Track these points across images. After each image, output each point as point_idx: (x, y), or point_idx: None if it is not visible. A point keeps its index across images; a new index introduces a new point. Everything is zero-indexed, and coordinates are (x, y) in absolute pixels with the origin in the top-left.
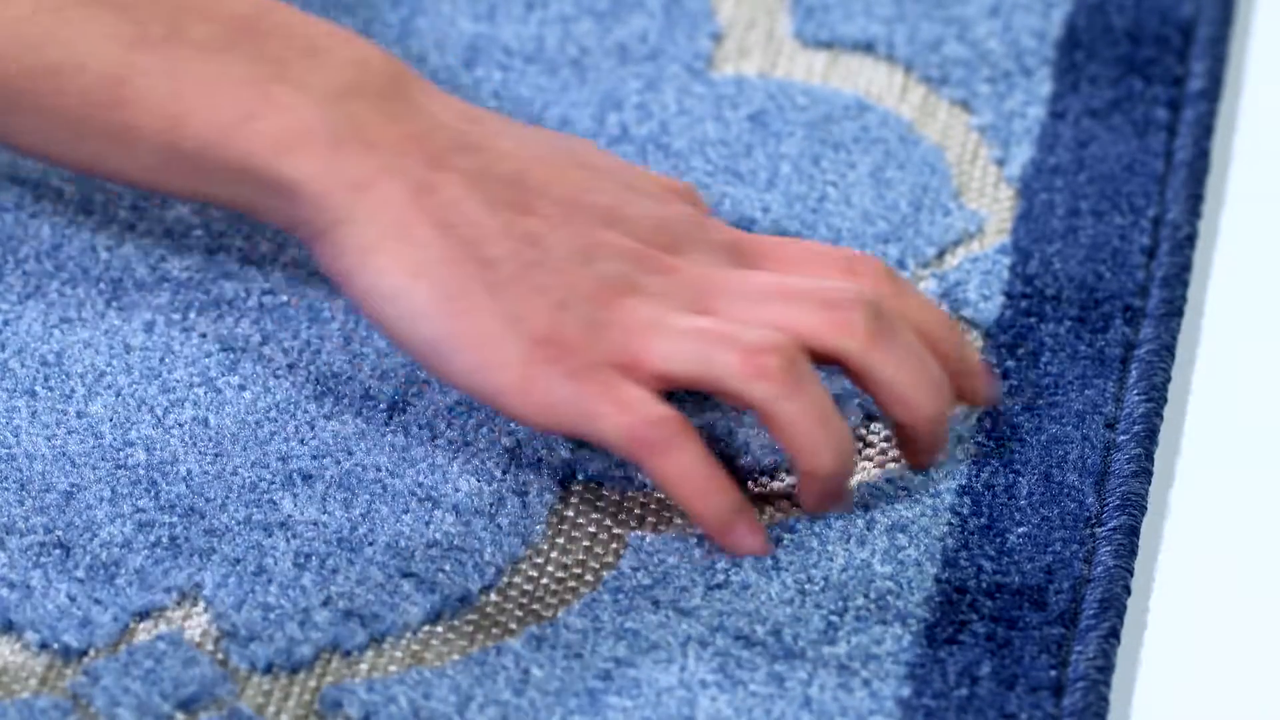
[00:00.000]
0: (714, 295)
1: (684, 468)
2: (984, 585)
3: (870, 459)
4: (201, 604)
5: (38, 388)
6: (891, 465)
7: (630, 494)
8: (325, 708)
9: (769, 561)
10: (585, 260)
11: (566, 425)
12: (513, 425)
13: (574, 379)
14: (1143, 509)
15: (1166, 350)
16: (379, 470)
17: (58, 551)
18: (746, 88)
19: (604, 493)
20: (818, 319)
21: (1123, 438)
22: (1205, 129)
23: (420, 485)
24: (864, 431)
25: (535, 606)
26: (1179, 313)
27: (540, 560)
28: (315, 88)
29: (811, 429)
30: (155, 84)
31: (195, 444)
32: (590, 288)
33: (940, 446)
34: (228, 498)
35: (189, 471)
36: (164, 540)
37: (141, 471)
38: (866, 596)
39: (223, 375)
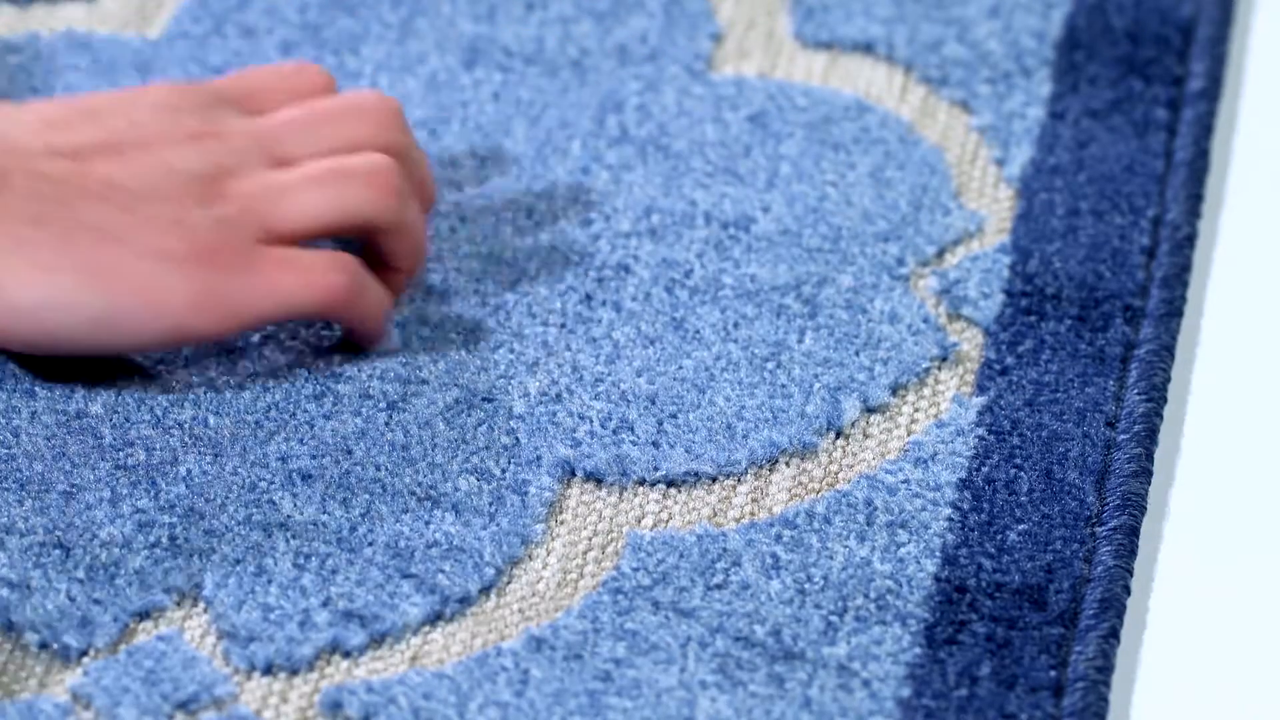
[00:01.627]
0: (277, 144)
1: (372, 302)
2: (984, 584)
3: (870, 450)
4: (201, 604)
5: (38, 388)
6: (891, 457)
7: (630, 494)
8: (325, 708)
9: (769, 560)
10: (166, 175)
11: (256, 315)
12: (512, 423)
13: (238, 272)
14: (1143, 508)
15: (1166, 350)
16: (379, 470)
17: (57, 551)
18: (746, 88)
19: (604, 493)
20: (369, 127)
21: (1123, 437)
22: (1205, 129)
23: (420, 485)
24: (864, 424)
25: (535, 607)
26: (1179, 312)
27: (540, 561)
28: None
29: (422, 234)
30: None
31: (195, 444)
32: (191, 193)
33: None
34: (227, 498)
35: (189, 471)
36: (164, 540)
37: (141, 471)
38: (866, 596)
39: (223, 375)
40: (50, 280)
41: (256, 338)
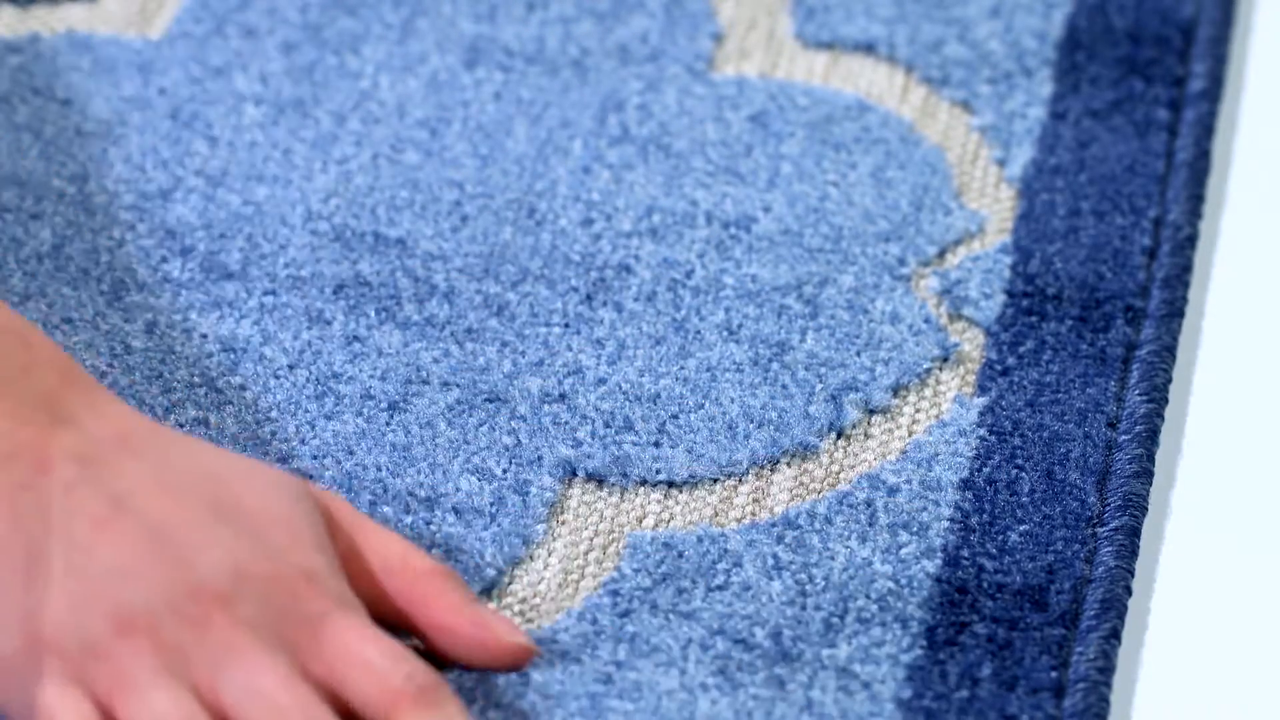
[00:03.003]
0: (216, 673)
1: None
2: (985, 585)
3: (871, 451)
4: None
5: None
6: (892, 458)
7: (631, 494)
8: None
9: (770, 561)
10: (120, 584)
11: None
12: (514, 424)
13: (56, 683)
14: (1144, 509)
15: (1168, 351)
16: (379, 470)
17: None
18: (747, 88)
19: (604, 493)
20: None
21: (1124, 438)
22: (1206, 129)
23: (420, 485)
24: (866, 425)
25: (535, 608)
26: (1180, 313)
27: (541, 561)
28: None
29: None
30: None
31: None
32: (109, 607)
33: None
34: None
35: None
36: None
37: None
38: (867, 597)
39: (223, 375)
40: None
41: (257, 338)
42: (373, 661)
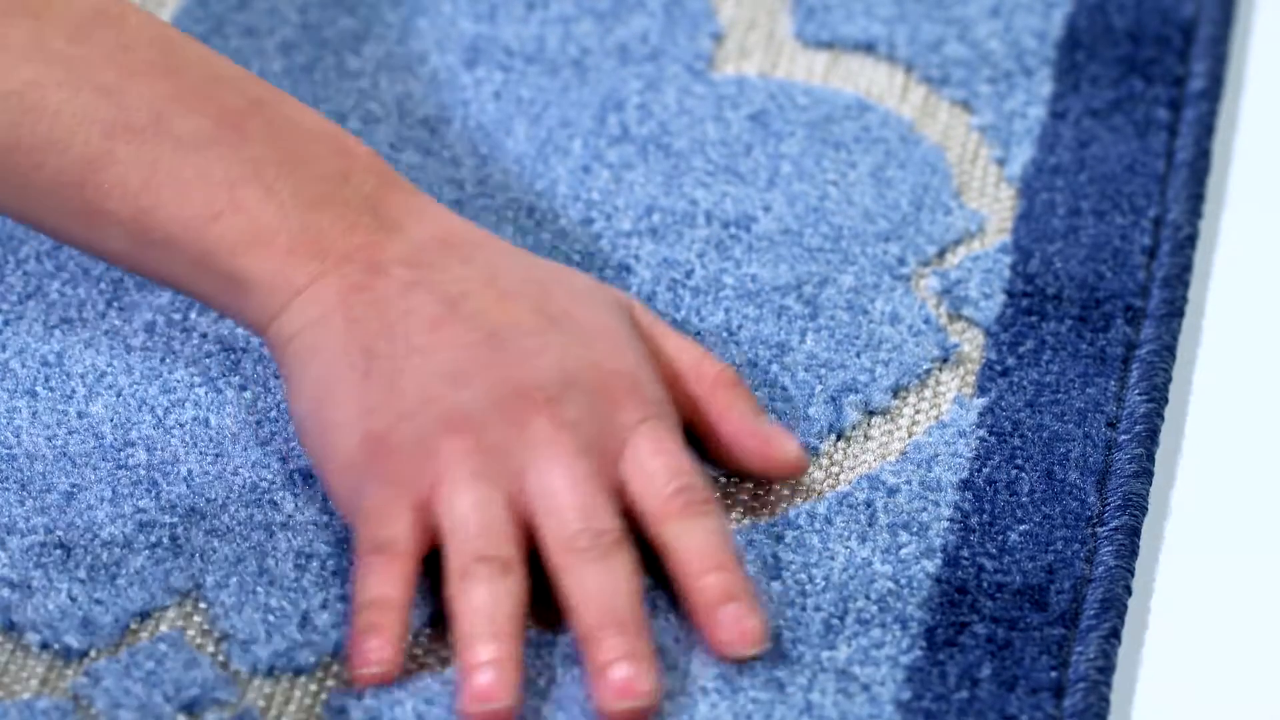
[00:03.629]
0: (526, 470)
1: (379, 590)
2: (984, 585)
3: (871, 451)
4: (202, 605)
5: (38, 388)
6: (892, 459)
7: None
8: (329, 713)
9: (770, 561)
10: (452, 385)
11: (351, 521)
12: None
13: (382, 485)
14: (1144, 509)
15: (1167, 350)
16: None
17: (58, 552)
18: (747, 88)
19: None
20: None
21: (1124, 437)
22: (1206, 129)
23: None
24: (866, 426)
25: (536, 610)
26: (1180, 313)
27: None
28: (284, 195)
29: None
30: (129, 174)
31: (196, 444)
32: (443, 408)
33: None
34: (228, 498)
35: (190, 472)
36: (165, 541)
37: (142, 471)
38: (867, 598)
39: (223, 375)
40: (304, 363)
41: (257, 339)
42: (655, 474)
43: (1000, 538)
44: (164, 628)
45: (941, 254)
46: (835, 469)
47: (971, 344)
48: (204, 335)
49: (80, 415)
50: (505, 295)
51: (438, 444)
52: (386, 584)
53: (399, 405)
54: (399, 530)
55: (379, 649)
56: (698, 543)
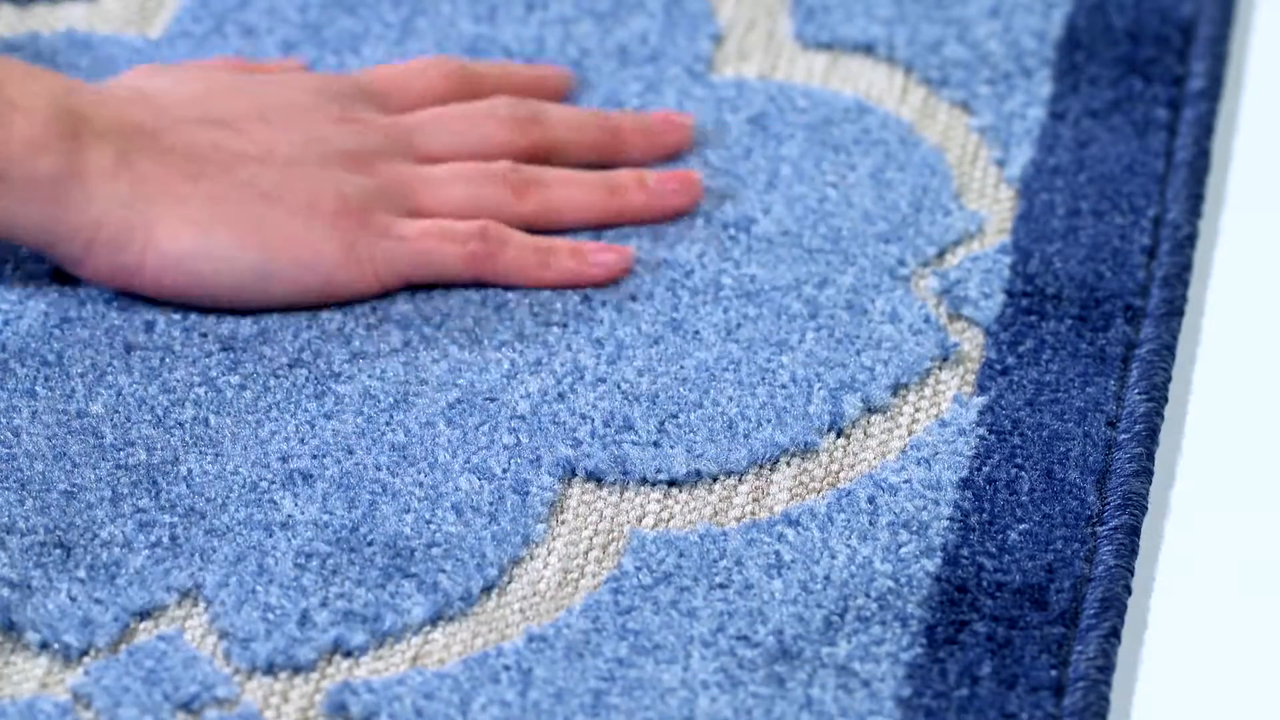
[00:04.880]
0: (419, 141)
1: (518, 254)
2: (984, 584)
3: (871, 450)
4: (202, 604)
5: (38, 388)
6: (892, 457)
7: (631, 493)
8: (328, 709)
9: (771, 559)
10: (318, 144)
11: (404, 276)
12: (513, 423)
13: (384, 235)
14: (1144, 508)
15: (1167, 350)
16: (379, 470)
17: (58, 551)
18: (747, 90)
19: (604, 492)
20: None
21: (1124, 436)
22: (1205, 129)
23: (420, 484)
24: (866, 424)
25: (536, 607)
26: (1179, 312)
27: (541, 560)
28: (39, 94)
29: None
30: None
31: (196, 444)
32: (342, 163)
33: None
34: (228, 497)
35: (189, 471)
36: (164, 540)
37: (142, 471)
38: (867, 596)
39: (223, 375)
40: (205, 234)
41: (257, 338)
42: None
43: (1000, 536)
44: (163, 627)
45: (941, 255)
46: (835, 467)
47: (971, 343)
48: (204, 335)
49: (80, 415)
50: (223, 97)
51: (371, 176)
52: (528, 248)
53: (321, 182)
54: (454, 225)
55: (605, 257)
56: None
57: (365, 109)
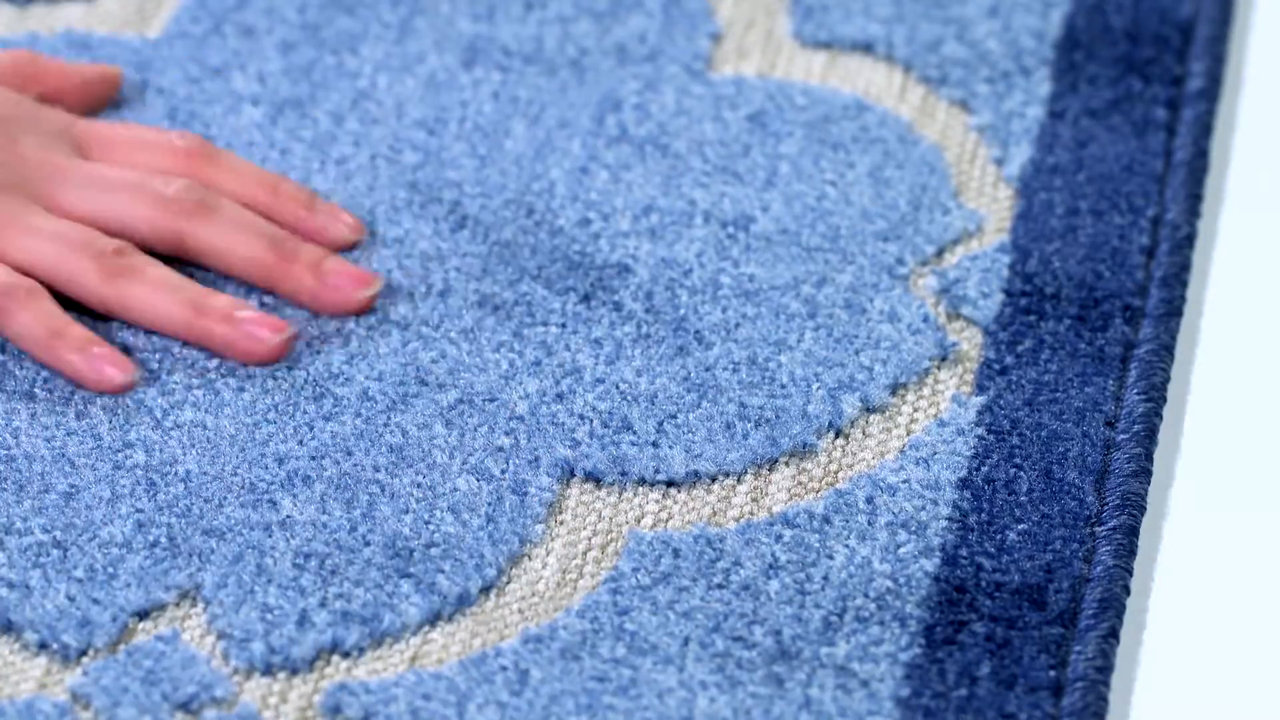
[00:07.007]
0: (54, 183)
1: (29, 323)
2: (983, 584)
3: (869, 450)
4: (200, 604)
5: (37, 389)
6: (890, 457)
7: (630, 494)
8: (325, 710)
9: (769, 560)
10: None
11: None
12: (512, 424)
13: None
14: (1142, 508)
15: (1166, 350)
16: (377, 470)
17: (57, 552)
18: (745, 88)
19: (603, 492)
20: (147, 209)
21: (1122, 437)
22: (1204, 129)
23: (419, 485)
24: (864, 424)
25: (534, 607)
26: (1178, 312)
27: (539, 561)
28: None
29: (154, 308)
30: None
31: (194, 445)
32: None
33: (318, 287)
34: (226, 498)
35: (188, 472)
36: (163, 540)
37: (140, 472)
38: (866, 596)
39: (222, 376)
40: None
41: None
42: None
43: (999, 537)
44: (162, 627)
45: (940, 253)
46: (834, 467)
47: (970, 343)
48: None
49: (79, 416)
50: None
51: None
52: (44, 322)
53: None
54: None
55: (106, 368)
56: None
57: (45, 141)
